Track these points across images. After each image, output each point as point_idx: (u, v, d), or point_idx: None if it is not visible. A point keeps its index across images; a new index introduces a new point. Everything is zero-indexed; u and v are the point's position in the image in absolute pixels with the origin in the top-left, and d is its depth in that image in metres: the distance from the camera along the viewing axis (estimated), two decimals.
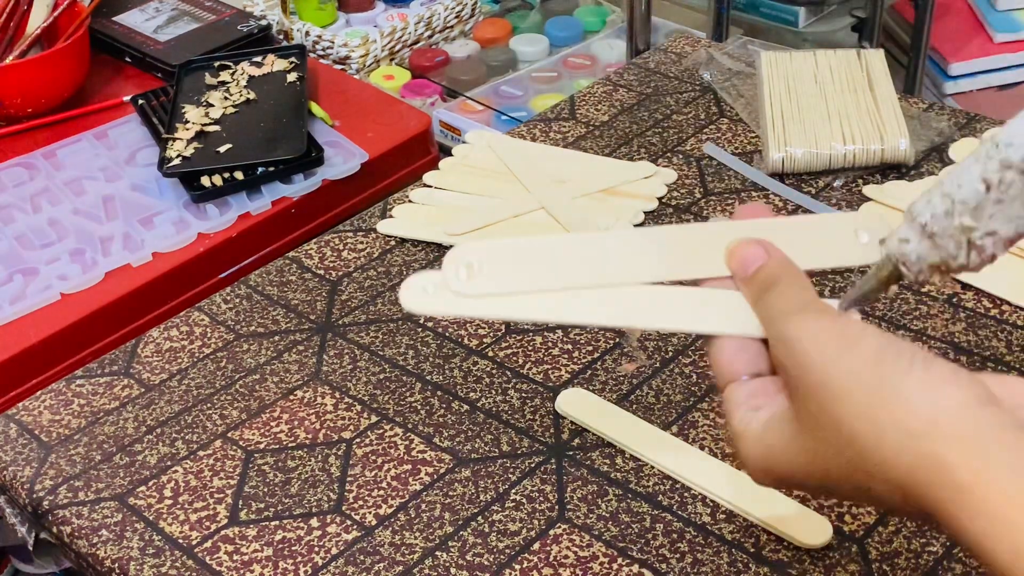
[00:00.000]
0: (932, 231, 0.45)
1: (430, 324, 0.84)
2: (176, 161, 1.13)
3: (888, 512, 0.66)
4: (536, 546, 0.67)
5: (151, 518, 0.71)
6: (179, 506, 0.71)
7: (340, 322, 0.85)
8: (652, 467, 0.72)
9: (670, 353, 0.80)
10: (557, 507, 0.70)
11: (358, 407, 0.78)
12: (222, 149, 1.14)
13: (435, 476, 0.72)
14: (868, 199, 0.93)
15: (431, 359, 0.81)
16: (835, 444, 0.43)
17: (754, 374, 0.49)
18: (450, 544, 0.68)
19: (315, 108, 1.23)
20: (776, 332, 0.47)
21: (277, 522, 0.70)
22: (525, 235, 0.43)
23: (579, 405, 0.76)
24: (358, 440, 0.75)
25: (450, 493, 0.71)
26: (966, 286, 0.84)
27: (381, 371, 0.81)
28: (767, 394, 0.48)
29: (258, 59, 1.29)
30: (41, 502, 0.73)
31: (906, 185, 0.95)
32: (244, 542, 0.69)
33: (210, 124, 1.18)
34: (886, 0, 1.48)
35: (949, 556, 0.65)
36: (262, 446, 0.75)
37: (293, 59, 1.29)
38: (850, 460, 0.43)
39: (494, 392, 0.78)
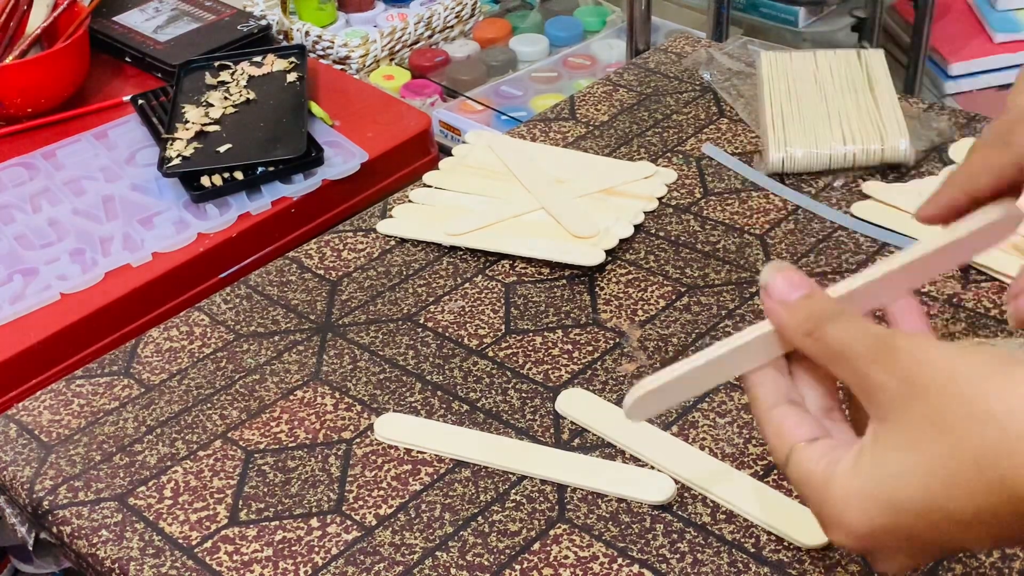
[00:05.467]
0: None
1: (430, 324, 0.84)
2: (176, 161, 1.13)
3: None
4: (536, 546, 0.67)
5: (151, 518, 0.71)
6: (179, 506, 0.71)
7: (340, 322, 0.85)
8: (652, 467, 0.72)
9: (670, 353, 0.80)
10: (557, 507, 0.70)
11: (358, 407, 0.78)
12: (222, 149, 1.14)
13: (435, 476, 0.72)
14: (867, 197, 0.94)
15: (431, 359, 0.81)
16: (967, 433, 0.42)
17: (813, 439, 0.48)
18: (450, 544, 0.68)
19: (315, 108, 1.23)
20: (870, 350, 0.46)
21: (277, 522, 0.70)
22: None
23: (579, 405, 0.76)
24: (358, 440, 0.75)
25: (450, 493, 0.71)
26: (966, 286, 0.84)
27: (381, 371, 0.80)
28: (844, 445, 0.47)
29: (258, 59, 1.29)
30: (41, 502, 0.73)
31: (901, 184, 0.95)
32: (244, 542, 0.69)
33: (210, 124, 1.18)
34: (886, 0, 1.48)
35: (949, 556, 0.65)
36: (262, 446, 0.75)
37: (293, 59, 1.29)
38: (983, 445, 0.42)
39: (494, 392, 0.78)
